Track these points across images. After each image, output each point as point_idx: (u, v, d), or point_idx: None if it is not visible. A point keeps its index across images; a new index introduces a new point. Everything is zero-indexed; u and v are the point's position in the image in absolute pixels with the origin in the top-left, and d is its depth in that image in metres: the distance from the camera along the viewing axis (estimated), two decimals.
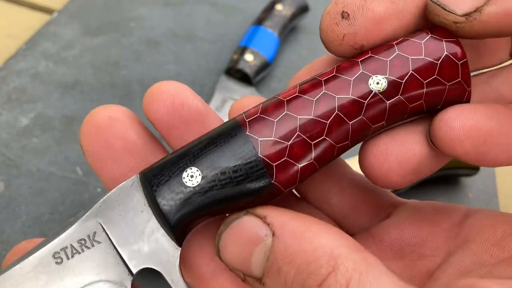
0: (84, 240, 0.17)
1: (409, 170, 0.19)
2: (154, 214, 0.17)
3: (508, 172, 0.43)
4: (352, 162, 0.23)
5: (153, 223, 0.17)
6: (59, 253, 0.17)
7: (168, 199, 0.17)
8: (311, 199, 0.22)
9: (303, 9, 0.53)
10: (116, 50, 0.51)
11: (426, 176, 0.19)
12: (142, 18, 0.55)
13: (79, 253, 0.17)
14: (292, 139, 0.17)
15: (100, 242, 0.17)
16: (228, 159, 0.16)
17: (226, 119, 0.19)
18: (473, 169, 0.39)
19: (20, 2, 0.57)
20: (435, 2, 0.18)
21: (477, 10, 0.17)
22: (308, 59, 0.52)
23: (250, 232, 0.16)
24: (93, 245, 0.17)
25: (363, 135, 0.18)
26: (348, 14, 0.19)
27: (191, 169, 0.16)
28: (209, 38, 0.53)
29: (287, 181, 0.17)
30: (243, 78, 0.46)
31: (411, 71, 0.18)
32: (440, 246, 0.20)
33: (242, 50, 0.47)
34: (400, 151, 0.18)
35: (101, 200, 0.17)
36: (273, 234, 0.16)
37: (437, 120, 0.18)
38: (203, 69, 0.50)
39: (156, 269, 0.17)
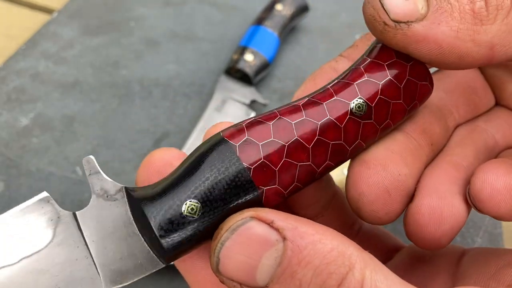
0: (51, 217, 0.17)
1: (457, 231, 0.19)
2: (140, 234, 0.17)
3: None
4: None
5: (137, 242, 0.17)
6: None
7: (167, 230, 0.16)
8: None
9: (303, 9, 0.53)
10: (116, 50, 0.51)
11: None
12: (142, 18, 0.55)
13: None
14: (280, 165, 0.17)
15: (66, 224, 0.17)
16: (224, 186, 0.17)
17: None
18: None
19: (20, 2, 0.57)
20: None
21: (407, 22, 0.18)
22: (308, 59, 0.52)
23: (259, 238, 0.15)
24: (58, 219, 0.17)
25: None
26: None
27: (190, 201, 0.16)
28: (209, 38, 0.53)
29: (274, 203, 0.18)
30: (243, 78, 0.46)
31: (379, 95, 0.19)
32: (440, 284, 0.20)
33: (242, 50, 0.47)
34: (452, 215, 0.19)
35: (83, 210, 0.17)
36: (284, 239, 0.15)
37: (477, 183, 0.18)
38: (203, 69, 0.50)
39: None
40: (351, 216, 0.23)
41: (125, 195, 0.17)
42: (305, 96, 0.19)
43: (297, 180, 0.17)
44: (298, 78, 0.50)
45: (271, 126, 0.17)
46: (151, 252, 0.17)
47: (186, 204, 0.16)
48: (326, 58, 0.53)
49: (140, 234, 0.17)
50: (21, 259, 0.16)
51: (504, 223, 0.39)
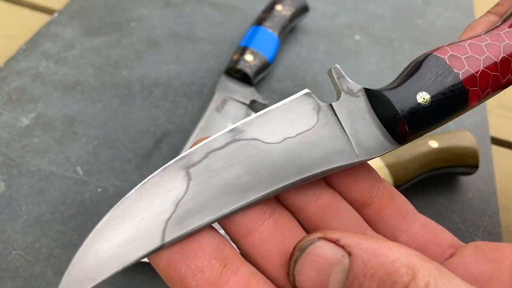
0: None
1: None
2: (380, 121, 0.22)
3: (507, 171, 0.43)
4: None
5: (378, 128, 0.22)
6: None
7: (407, 114, 0.21)
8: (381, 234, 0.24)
9: (303, 9, 0.53)
10: (116, 50, 0.51)
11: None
12: (143, 18, 0.55)
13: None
14: (479, 72, 0.22)
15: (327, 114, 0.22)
16: (444, 84, 0.22)
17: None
18: (472, 167, 0.39)
19: (21, 3, 0.57)
20: None
21: None
22: (308, 59, 0.52)
23: (326, 255, 0.17)
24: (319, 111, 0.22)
25: None
26: None
27: (422, 92, 0.21)
28: (209, 38, 0.53)
29: (476, 102, 0.23)
30: (243, 78, 0.46)
31: None
32: (506, 282, 0.21)
33: (242, 50, 0.47)
34: None
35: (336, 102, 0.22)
36: (350, 254, 0.17)
37: None
38: (203, 69, 0.50)
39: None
40: (402, 209, 0.24)
41: (364, 93, 0.22)
42: (476, 34, 0.24)
43: (490, 87, 0.23)
44: (298, 78, 0.50)
45: (467, 47, 0.23)
46: (389, 134, 0.22)
47: (419, 94, 0.21)
48: (326, 58, 0.53)
49: (379, 121, 0.22)
50: (298, 134, 0.21)
51: (503, 223, 0.39)
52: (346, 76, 0.23)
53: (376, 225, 0.23)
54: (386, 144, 0.22)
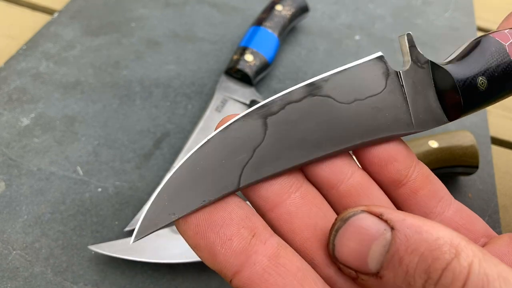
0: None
1: None
2: (437, 95, 0.23)
3: (507, 171, 0.43)
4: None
5: (434, 101, 0.23)
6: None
7: (463, 92, 0.22)
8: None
9: (303, 10, 0.53)
10: (116, 50, 0.51)
11: None
12: (143, 18, 0.55)
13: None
14: None
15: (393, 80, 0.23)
16: (501, 71, 0.23)
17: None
18: (472, 167, 0.39)
19: (21, 3, 0.57)
20: None
21: None
22: (308, 59, 0.52)
23: (369, 227, 0.17)
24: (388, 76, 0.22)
25: None
26: None
27: (481, 77, 0.22)
28: (209, 38, 0.53)
29: None
30: (243, 78, 0.46)
31: None
32: None
33: (242, 50, 0.47)
34: None
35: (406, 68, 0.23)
36: (392, 228, 0.17)
37: None
38: (203, 69, 0.50)
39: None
40: (437, 192, 0.23)
41: (429, 66, 0.23)
42: None
43: None
44: (298, 79, 0.50)
45: None
46: (442, 109, 0.23)
47: (478, 79, 0.22)
48: (326, 58, 0.53)
49: (436, 95, 0.23)
50: (367, 97, 0.22)
51: (503, 223, 0.39)
52: (416, 46, 0.23)
53: (409, 206, 0.23)
54: (437, 118, 0.23)
